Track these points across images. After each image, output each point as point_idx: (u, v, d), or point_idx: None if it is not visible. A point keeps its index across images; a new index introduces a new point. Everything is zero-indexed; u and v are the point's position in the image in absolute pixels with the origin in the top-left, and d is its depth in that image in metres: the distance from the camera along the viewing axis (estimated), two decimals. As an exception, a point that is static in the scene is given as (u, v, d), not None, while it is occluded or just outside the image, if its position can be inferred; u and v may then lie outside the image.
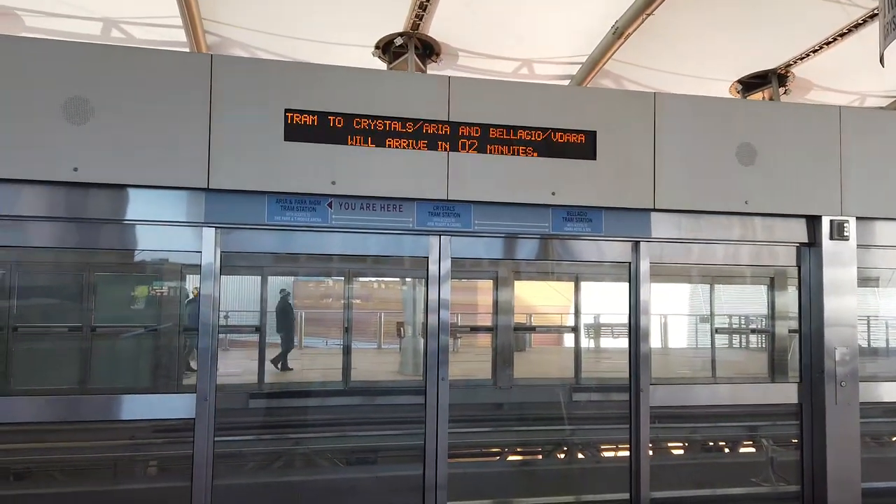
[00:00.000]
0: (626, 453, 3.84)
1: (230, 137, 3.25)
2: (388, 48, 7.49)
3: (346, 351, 6.92)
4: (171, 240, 3.33)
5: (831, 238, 3.92)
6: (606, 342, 8.59)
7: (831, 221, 3.93)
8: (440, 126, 3.53)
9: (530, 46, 7.72)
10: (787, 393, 4.01)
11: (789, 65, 7.95)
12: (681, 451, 5.85)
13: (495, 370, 7.06)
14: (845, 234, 3.91)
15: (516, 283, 7.61)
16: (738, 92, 8.54)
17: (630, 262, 3.88)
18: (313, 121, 3.39)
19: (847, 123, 3.98)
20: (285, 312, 7.95)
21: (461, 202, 3.60)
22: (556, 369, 7.98)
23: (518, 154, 3.62)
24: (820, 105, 4.27)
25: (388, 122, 3.47)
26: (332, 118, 3.40)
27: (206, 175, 3.20)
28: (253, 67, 3.46)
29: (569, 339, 8.28)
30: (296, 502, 4.58)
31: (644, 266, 3.85)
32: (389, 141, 3.46)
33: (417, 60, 7.53)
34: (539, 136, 3.65)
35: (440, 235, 3.63)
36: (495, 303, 7.17)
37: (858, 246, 4.00)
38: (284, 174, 3.32)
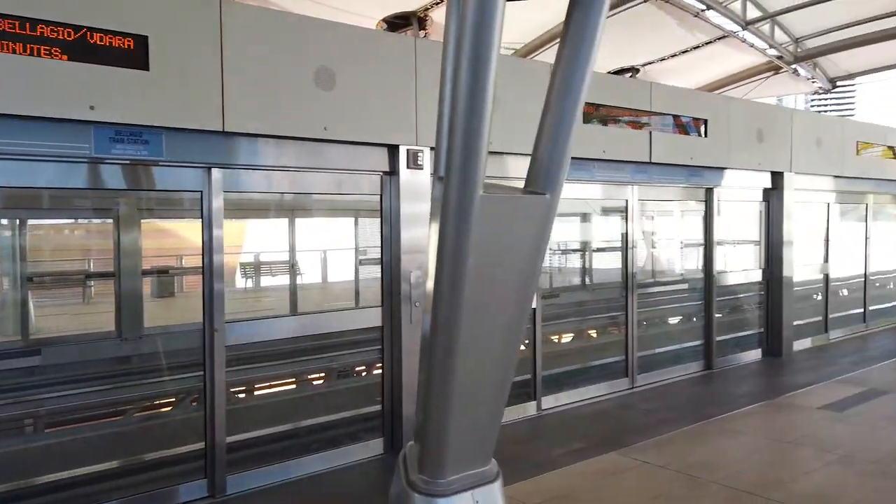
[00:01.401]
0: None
1: None
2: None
3: None
4: None
5: (408, 167, 4.06)
6: (268, 280, 8.33)
7: (408, 151, 4.06)
8: None
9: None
10: (371, 317, 4.14)
11: (427, 8, 8.28)
12: (291, 387, 5.78)
13: (119, 321, 6.20)
14: (419, 163, 4.08)
15: (147, 222, 6.73)
16: (384, 31, 8.68)
17: (202, 192, 3.49)
18: None
19: (423, 55, 4.10)
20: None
21: (-49, 112, 2.77)
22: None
23: (40, 55, 2.91)
24: (397, 35, 4.34)
25: None
26: None
27: None
28: None
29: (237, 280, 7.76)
30: None
31: (218, 196, 3.50)
32: None
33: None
34: (70, 35, 2.97)
35: (-82, 156, 2.76)
36: (117, 244, 6.23)
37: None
38: None
